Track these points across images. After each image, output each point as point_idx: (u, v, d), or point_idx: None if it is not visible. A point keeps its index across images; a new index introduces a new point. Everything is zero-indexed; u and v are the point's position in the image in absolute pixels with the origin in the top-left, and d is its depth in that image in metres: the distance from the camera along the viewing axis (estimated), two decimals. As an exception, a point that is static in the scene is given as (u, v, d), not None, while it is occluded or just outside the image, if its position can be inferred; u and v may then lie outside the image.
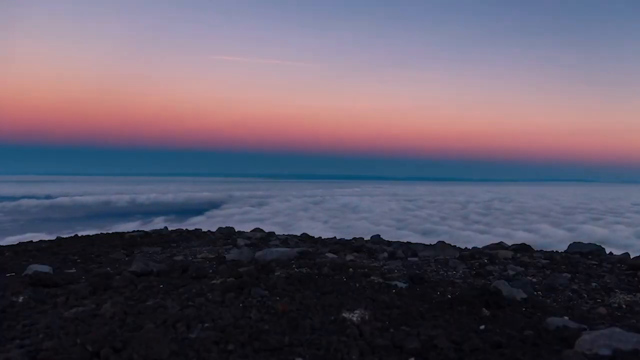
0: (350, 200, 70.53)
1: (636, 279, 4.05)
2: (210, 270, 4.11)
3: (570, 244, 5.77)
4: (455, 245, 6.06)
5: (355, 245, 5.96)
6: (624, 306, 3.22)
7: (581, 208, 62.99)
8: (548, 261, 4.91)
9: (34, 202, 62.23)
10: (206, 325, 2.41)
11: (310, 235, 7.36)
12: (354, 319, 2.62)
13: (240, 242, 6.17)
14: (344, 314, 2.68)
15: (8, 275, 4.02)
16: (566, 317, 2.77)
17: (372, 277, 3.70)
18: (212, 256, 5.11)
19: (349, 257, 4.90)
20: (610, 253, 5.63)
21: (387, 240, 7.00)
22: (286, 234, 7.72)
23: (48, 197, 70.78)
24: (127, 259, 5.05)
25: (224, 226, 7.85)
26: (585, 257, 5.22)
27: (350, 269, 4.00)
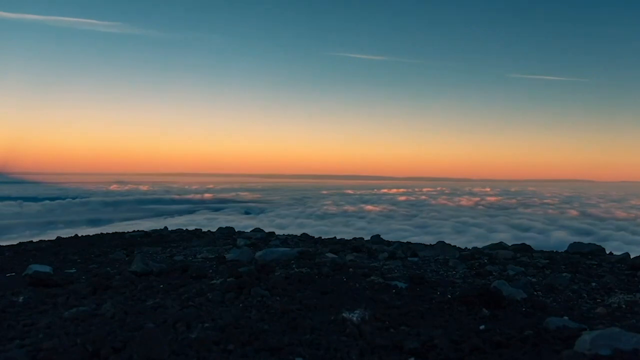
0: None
1: (636, 279, 4.05)
2: (210, 270, 4.12)
3: (570, 244, 5.78)
4: (455, 246, 6.07)
5: (355, 245, 5.96)
6: (624, 306, 3.21)
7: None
8: (548, 261, 4.91)
9: (34, 202, 62.26)
10: (206, 325, 2.41)
11: (311, 235, 7.38)
12: (354, 319, 2.62)
13: (240, 242, 6.17)
14: (344, 314, 2.68)
15: (8, 275, 4.02)
16: (566, 317, 2.77)
17: (372, 277, 3.70)
18: (212, 256, 5.11)
19: (349, 257, 4.90)
20: (610, 253, 5.63)
21: (387, 240, 7.01)
22: (286, 234, 7.73)
23: (51, 197, 70.85)
24: (127, 259, 5.05)
25: (224, 226, 7.86)
26: (585, 257, 5.22)
27: (350, 269, 4.01)
